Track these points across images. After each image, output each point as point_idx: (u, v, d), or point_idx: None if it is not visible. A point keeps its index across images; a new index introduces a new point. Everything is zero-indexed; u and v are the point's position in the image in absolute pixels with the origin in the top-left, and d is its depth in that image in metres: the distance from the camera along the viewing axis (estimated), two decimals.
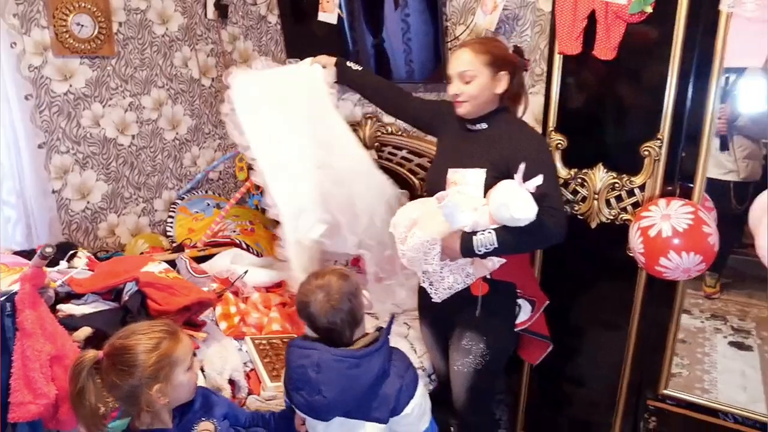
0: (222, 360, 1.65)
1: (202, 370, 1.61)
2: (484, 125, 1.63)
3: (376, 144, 2.67)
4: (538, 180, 1.39)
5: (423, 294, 1.70)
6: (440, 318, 1.78)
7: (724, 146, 1.99)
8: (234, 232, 2.58)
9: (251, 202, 2.59)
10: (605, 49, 1.67)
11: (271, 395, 1.67)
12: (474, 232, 1.47)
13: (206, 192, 2.96)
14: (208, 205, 2.83)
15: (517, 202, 1.39)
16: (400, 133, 2.62)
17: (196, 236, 2.55)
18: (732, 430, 1.77)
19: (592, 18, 1.67)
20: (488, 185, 1.52)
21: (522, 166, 1.41)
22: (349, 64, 1.94)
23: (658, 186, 1.70)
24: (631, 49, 1.65)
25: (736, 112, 1.96)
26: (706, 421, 1.81)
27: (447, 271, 1.55)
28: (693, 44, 1.57)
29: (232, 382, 1.64)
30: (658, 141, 1.67)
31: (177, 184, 2.86)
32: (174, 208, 2.77)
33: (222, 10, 2.82)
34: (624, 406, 1.93)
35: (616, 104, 1.73)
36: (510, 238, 1.45)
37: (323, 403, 1.26)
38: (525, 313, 1.68)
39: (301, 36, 2.72)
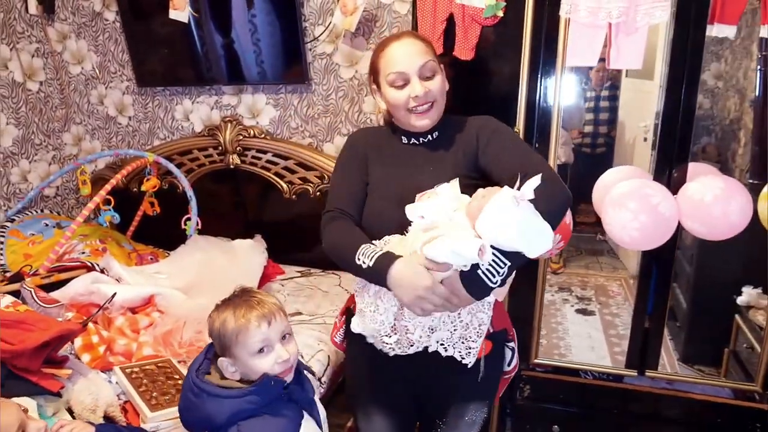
0: (92, 396, 1.47)
1: (71, 412, 1.41)
2: (435, 134, 1.35)
3: (238, 148, 2.57)
4: (536, 181, 1.05)
5: (383, 367, 1.33)
6: (413, 395, 1.40)
7: None
8: (83, 253, 2.31)
9: (102, 219, 2.33)
10: (464, 49, 1.79)
11: (154, 426, 1.52)
12: (475, 266, 1.11)
13: (41, 211, 2.60)
14: (47, 225, 2.49)
15: (530, 238, 1.05)
16: (263, 135, 2.55)
17: (36, 262, 2.23)
18: (592, 386, 2.01)
19: (451, 21, 1.77)
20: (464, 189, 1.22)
21: (536, 180, 1.05)
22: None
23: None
24: (487, 50, 1.78)
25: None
26: (570, 381, 2.03)
27: (460, 325, 1.21)
28: (539, 46, 1.74)
29: (108, 419, 1.46)
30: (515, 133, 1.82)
31: (4, 204, 2.47)
32: (3, 232, 2.39)
33: (47, 5, 2.50)
34: None
35: (477, 101, 1.86)
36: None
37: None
38: (514, 357, 1.46)
39: (144, 35, 2.52)
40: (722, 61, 2.08)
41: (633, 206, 1.63)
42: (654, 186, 1.67)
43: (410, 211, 1.18)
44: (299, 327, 2.12)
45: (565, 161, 2.43)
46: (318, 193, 2.48)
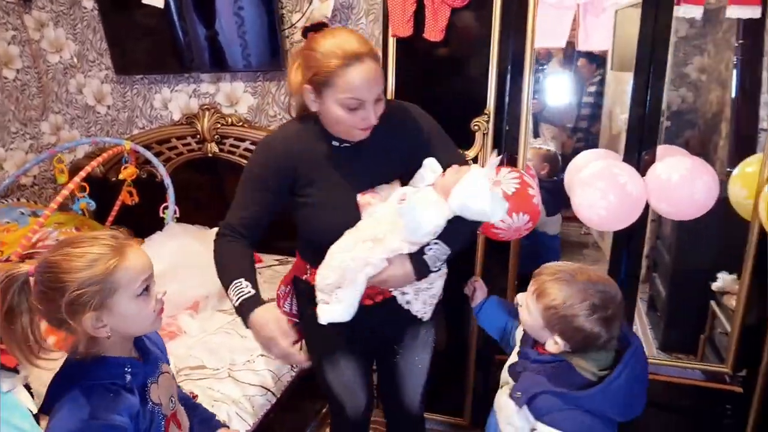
0: (50, 374, 1.45)
1: (29, 388, 1.40)
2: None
3: (216, 136, 2.57)
4: (496, 159, 1.32)
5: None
6: (379, 332, 1.49)
7: (535, 134, 2.27)
8: (57, 241, 2.29)
9: (77, 207, 2.32)
10: (434, 31, 1.78)
11: None
12: (421, 251, 1.26)
13: (18, 200, 2.59)
14: (22, 213, 2.48)
15: (494, 206, 1.26)
16: (240, 124, 2.55)
17: (9, 249, 2.22)
18: None
19: (421, 3, 1.77)
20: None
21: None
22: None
23: (488, 157, 1.85)
24: (457, 32, 1.77)
25: (542, 104, 2.28)
26: None
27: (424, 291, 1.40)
28: (508, 27, 1.73)
29: None
30: (485, 116, 1.81)
31: None
32: None
33: None
34: (474, 365, 2.07)
35: (448, 83, 1.85)
36: (456, 238, 1.29)
37: None
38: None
39: (124, 24, 2.51)
40: (705, 54, 2.08)
41: (601, 185, 1.62)
42: (622, 166, 1.67)
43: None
44: None
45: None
46: None
